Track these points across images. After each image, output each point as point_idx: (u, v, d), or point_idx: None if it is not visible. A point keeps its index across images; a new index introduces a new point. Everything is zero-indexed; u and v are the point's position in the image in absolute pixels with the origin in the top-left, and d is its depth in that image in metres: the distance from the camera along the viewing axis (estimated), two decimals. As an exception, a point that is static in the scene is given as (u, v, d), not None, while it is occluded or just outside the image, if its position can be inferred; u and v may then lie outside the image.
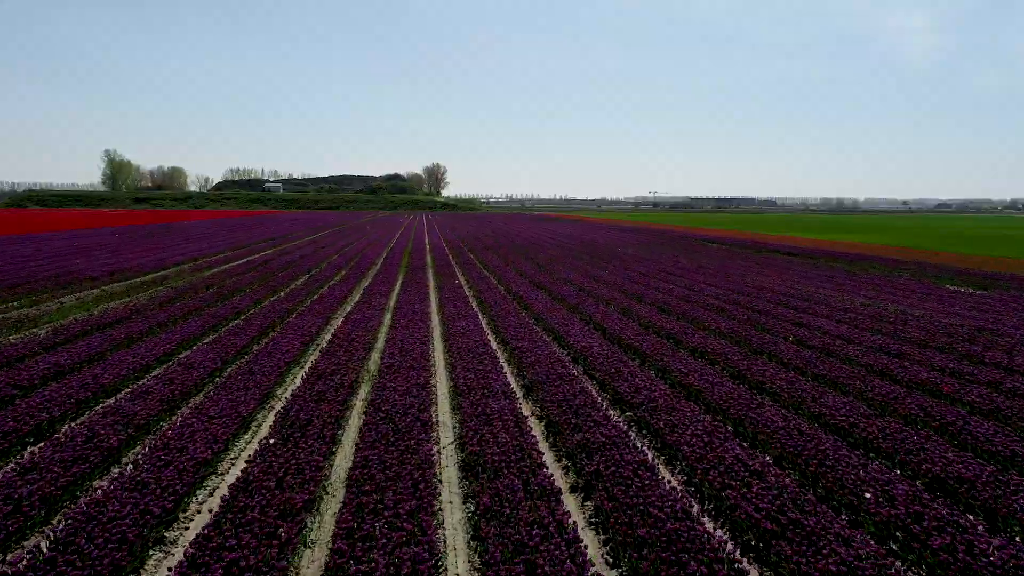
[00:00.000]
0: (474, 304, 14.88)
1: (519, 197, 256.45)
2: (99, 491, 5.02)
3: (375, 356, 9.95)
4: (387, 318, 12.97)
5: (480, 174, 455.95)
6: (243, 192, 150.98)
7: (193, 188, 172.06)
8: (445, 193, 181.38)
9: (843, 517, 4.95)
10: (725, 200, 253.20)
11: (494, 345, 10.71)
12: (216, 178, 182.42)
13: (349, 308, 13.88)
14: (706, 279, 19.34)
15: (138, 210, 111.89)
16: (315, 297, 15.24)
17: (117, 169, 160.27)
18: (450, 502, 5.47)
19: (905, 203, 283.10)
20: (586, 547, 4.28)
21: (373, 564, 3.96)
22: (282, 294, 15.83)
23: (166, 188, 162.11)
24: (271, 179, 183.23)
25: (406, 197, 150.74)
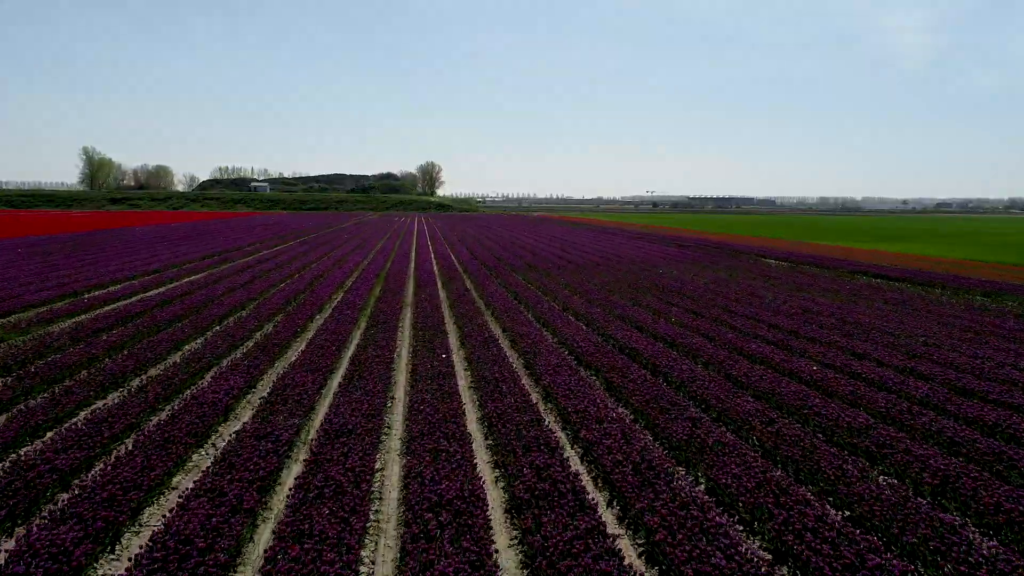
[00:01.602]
0: (479, 445, 7.47)
1: (515, 196, 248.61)
2: None
3: None
4: (269, 524, 5.55)
5: (476, 173, 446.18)
6: (227, 192, 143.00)
7: (180, 187, 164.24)
8: (440, 192, 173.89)
9: None
10: (724, 199, 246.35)
11: None
12: (204, 177, 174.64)
13: (203, 470, 6.39)
14: (849, 341, 11.94)
15: (111, 211, 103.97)
16: (164, 415, 7.78)
17: (97, 167, 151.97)
18: None
19: (905, 202, 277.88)
20: None
21: None
22: (111, 400, 8.39)
23: (150, 187, 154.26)
24: (259, 178, 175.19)
25: (399, 197, 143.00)
